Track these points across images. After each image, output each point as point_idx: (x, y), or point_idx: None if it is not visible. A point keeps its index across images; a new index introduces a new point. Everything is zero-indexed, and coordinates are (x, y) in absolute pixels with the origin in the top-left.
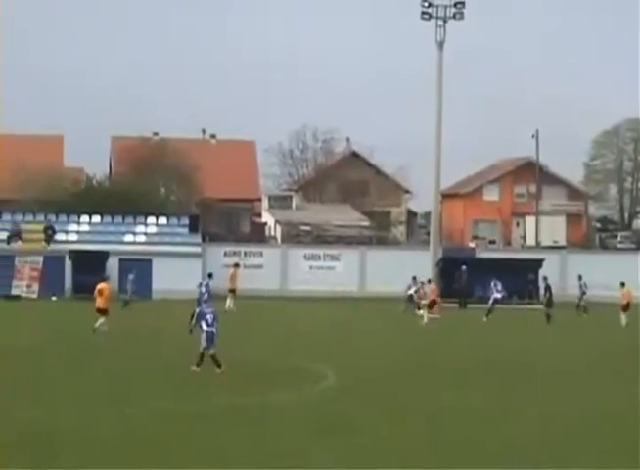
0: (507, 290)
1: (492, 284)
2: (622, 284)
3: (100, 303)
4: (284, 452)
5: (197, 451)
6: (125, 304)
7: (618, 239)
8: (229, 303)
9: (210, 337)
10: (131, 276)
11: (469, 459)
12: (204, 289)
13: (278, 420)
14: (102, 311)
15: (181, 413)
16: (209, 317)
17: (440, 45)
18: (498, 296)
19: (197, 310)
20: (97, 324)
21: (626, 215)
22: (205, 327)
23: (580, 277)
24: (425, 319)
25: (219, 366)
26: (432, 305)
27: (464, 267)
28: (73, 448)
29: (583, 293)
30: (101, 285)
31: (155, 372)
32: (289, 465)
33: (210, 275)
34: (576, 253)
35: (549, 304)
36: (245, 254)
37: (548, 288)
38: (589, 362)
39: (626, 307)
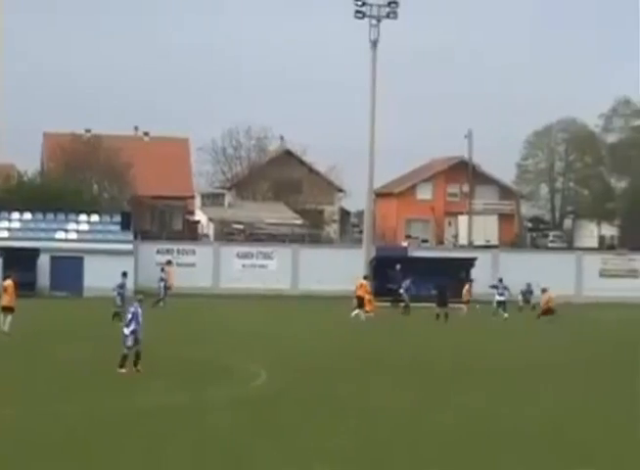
0: (438, 289)
1: (493, 286)
2: (544, 290)
3: (5, 300)
4: (218, 452)
5: (134, 451)
6: (159, 301)
7: (550, 238)
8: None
9: (123, 337)
10: (163, 274)
11: (403, 459)
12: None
13: (211, 419)
14: (8, 309)
15: (114, 412)
16: (127, 316)
17: (374, 44)
18: (501, 298)
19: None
20: (5, 327)
21: (557, 215)
22: (122, 327)
23: (501, 280)
24: (362, 317)
25: (121, 366)
26: (361, 302)
27: (398, 266)
28: (14, 448)
29: (501, 294)
30: (6, 282)
31: (88, 371)
32: (222, 464)
33: (125, 274)
34: (508, 252)
35: (440, 303)
36: (177, 251)
37: (440, 287)
38: (521, 361)
39: (547, 312)
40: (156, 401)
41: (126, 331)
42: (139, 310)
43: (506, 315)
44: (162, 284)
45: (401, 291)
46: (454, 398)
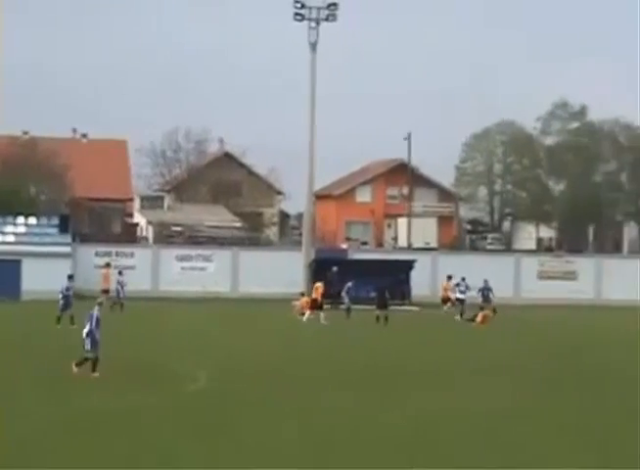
0: (378, 291)
1: (456, 284)
2: (449, 277)
3: None
4: (157, 453)
5: (72, 454)
6: (120, 306)
7: (488, 240)
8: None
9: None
10: (120, 278)
11: (344, 460)
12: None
13: (150, 421)
14: None
15: (51, 416)
16: (86, 319)
17: (313, 46)
18: (461, 296)
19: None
20: None
21: (496, 217)
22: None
23: (464, 279)
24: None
25: (77, 365)
26: (313, 304)
27: (335, 268)
28: None
29: (462, 292)
30: None
31: (26, 375)
32: (159, 465)
33: (71, 277)
34: (447, 254)
35: (379, 305)
36: (116, 254)
37: (379, 289)
38: (460, 363)
39: (446, 300)
40: (94, 404)
41: (82, 333)
42: (95, 314)
43: (457, 317)
44: (123, 288)
45: (343, 294)
46: (396, 398)
